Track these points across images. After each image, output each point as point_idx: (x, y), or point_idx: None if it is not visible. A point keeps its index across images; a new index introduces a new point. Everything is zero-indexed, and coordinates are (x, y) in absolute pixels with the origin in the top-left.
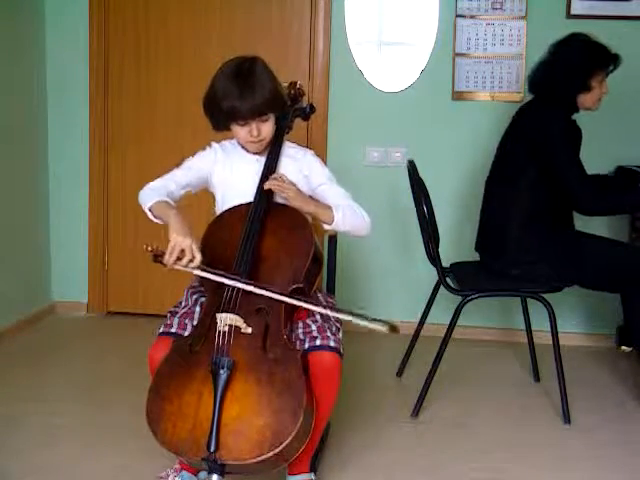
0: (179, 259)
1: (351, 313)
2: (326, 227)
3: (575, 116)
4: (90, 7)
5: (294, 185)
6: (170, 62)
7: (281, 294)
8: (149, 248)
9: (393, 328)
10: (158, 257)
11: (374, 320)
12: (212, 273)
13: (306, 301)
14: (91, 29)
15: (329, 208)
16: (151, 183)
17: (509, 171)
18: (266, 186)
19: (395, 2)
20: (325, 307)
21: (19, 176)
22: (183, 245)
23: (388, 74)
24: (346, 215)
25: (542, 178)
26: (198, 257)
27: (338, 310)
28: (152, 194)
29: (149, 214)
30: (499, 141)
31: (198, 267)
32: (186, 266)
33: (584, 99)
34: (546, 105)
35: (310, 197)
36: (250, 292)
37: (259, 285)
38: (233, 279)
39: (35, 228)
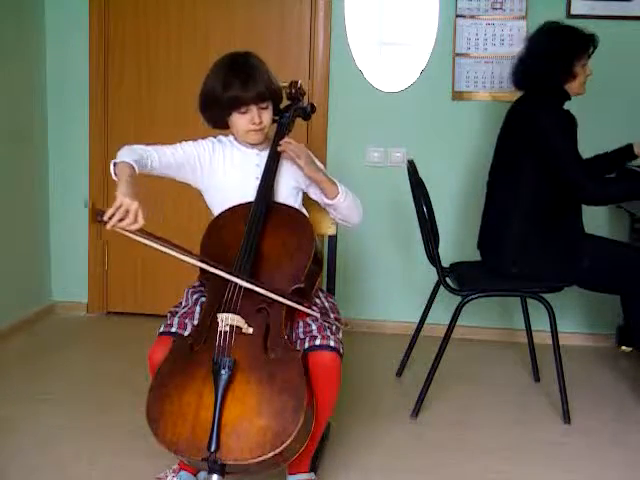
0: (121, 220)
1: None
2: (327, 201)
3: (575, 115)
4: (90, 7)
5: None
6: (170, 62)
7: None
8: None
9: None
10: (99, 216)
11: None
12: (162, 245)
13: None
14: (91, 29)
15: (335, 183)
16: (134, 145)
17: (508, 169)
18: (280, 148)
19: (395, 2)
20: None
21: (19, 176)
22: (129, 207)
23: (388, 74)
24: (348, 194)
25: (541, 175)
26: (140, 221)
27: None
28: (127, 153)
29: (111, 168)
30: (496, 140)
31: (141, 235)
32: (127, 229)
33: (571, 86)
34: (536, 98)
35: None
36: (251, 292)
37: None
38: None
39: (35, 228)
